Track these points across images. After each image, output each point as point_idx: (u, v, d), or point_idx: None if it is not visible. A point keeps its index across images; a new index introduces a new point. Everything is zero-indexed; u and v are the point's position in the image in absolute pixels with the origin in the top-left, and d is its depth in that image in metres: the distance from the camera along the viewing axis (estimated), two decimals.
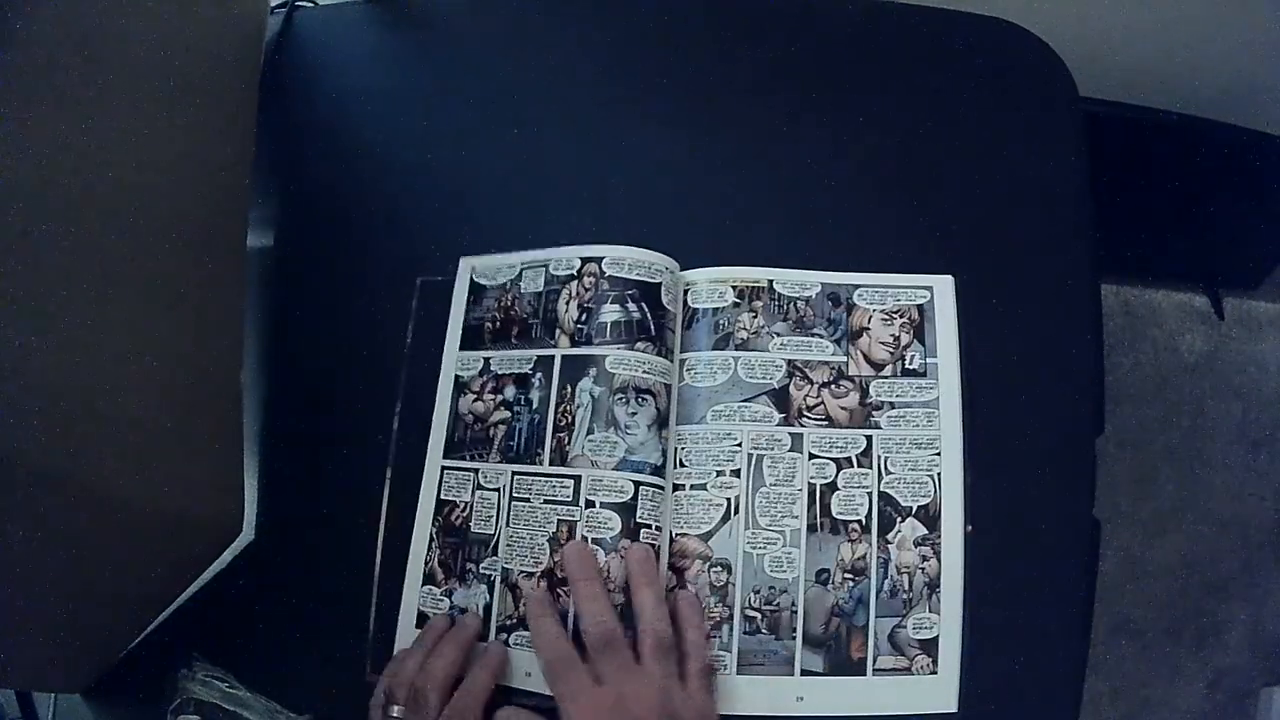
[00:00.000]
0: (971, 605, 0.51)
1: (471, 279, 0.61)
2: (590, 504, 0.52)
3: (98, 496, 0.43)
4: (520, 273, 0.59)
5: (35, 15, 0.40)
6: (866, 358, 0.55)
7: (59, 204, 0.41)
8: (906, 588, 0.51)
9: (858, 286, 0.57)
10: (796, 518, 0.53)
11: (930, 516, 0.52)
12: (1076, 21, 0.73)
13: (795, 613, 0.51)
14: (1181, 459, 1.22)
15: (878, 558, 0.52)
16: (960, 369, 0.55)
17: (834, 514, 0.53)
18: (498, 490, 0.55)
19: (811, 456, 0.54)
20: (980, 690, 0.50)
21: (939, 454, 0.53)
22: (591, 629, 0.47)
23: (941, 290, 0.56)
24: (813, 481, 0.53)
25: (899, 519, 0.52)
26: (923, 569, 0.51)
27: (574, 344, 0.56)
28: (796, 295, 0.57)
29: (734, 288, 0.58)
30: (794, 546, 0.52)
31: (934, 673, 0.50)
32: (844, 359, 0.56)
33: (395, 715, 0.48)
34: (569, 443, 0.54)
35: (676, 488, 0.54)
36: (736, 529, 0.53)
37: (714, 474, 0.54)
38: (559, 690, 0.46)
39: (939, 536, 0.52)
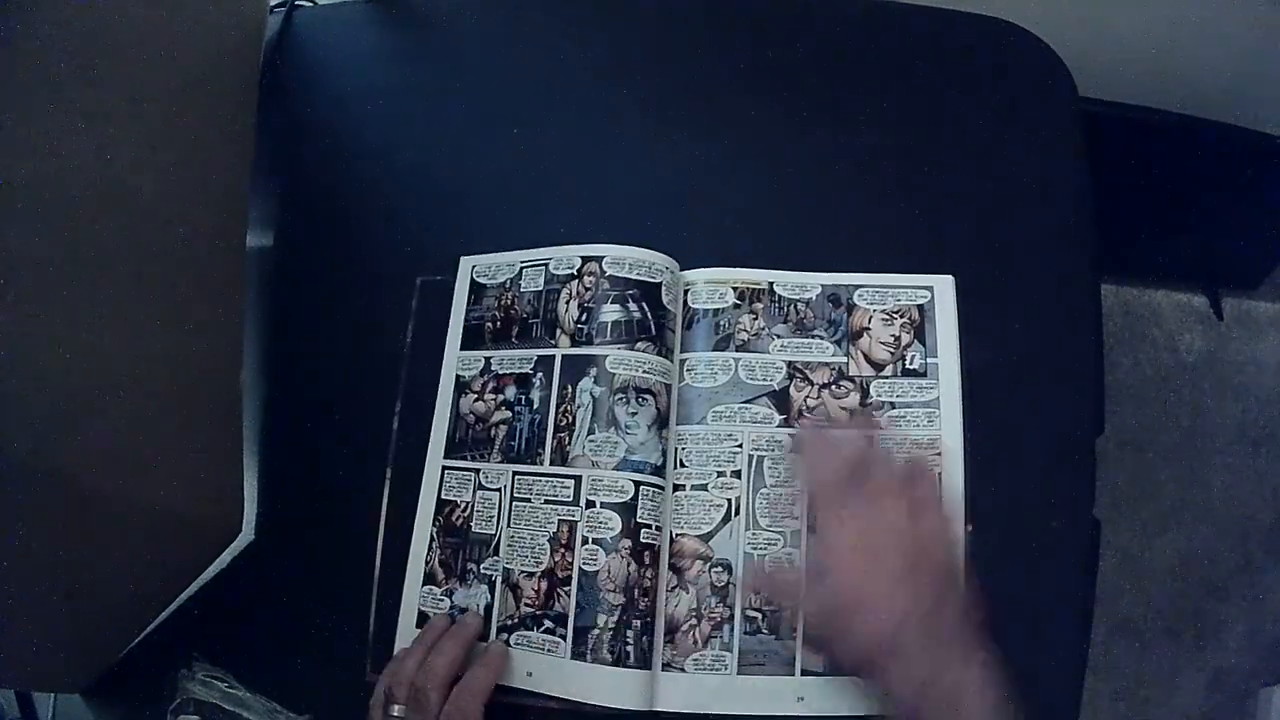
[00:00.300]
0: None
1: (472, 278, 0.61)
2: (591, 504, 0.52)
3: (98, 496, 0.43)
4: (520, 271, 0.59)
5: (35, 16, 0.40)
6: (867, 358, 0.55)
7: (59, 204, 0.41)
8: None
9: (858, 287, 0.57)
10: (797, 519, 0.53)
11: None
12: (1076, 21, 0.72)
13: (796, 613, 0.51)
14: (1181, 459, 1.22)
15: None
16: (960, 369, 0.55)
17: None
18: (499, 490, 0.55)
19: None
20: None
21: (940, 454, 0.53)
22: (843, 469, 0.47)
23: (942, 290, 0.56)
24: None
25: None
26: None
27: (574, 344, 0.56)
28: (797, 297, 0.57)
29: (734, 289, 0.58)
30: (794, 547, 0.52)
31: None
32: (844, 360, 0.56)
33: (396, 714, 0.48)
34: (569, 443, 0.54)
35: (677, 488, 0.54)
36: (737, 530, 0.53)
37: (714, 475, 0.54)
38: (820, 515, 0.47)
39: None
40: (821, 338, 0.56)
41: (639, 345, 0.54)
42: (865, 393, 0.55)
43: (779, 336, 0.56)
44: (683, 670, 0.51)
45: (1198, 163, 1.02)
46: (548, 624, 0.52)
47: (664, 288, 0.56)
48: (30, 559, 0.43)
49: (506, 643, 0.52)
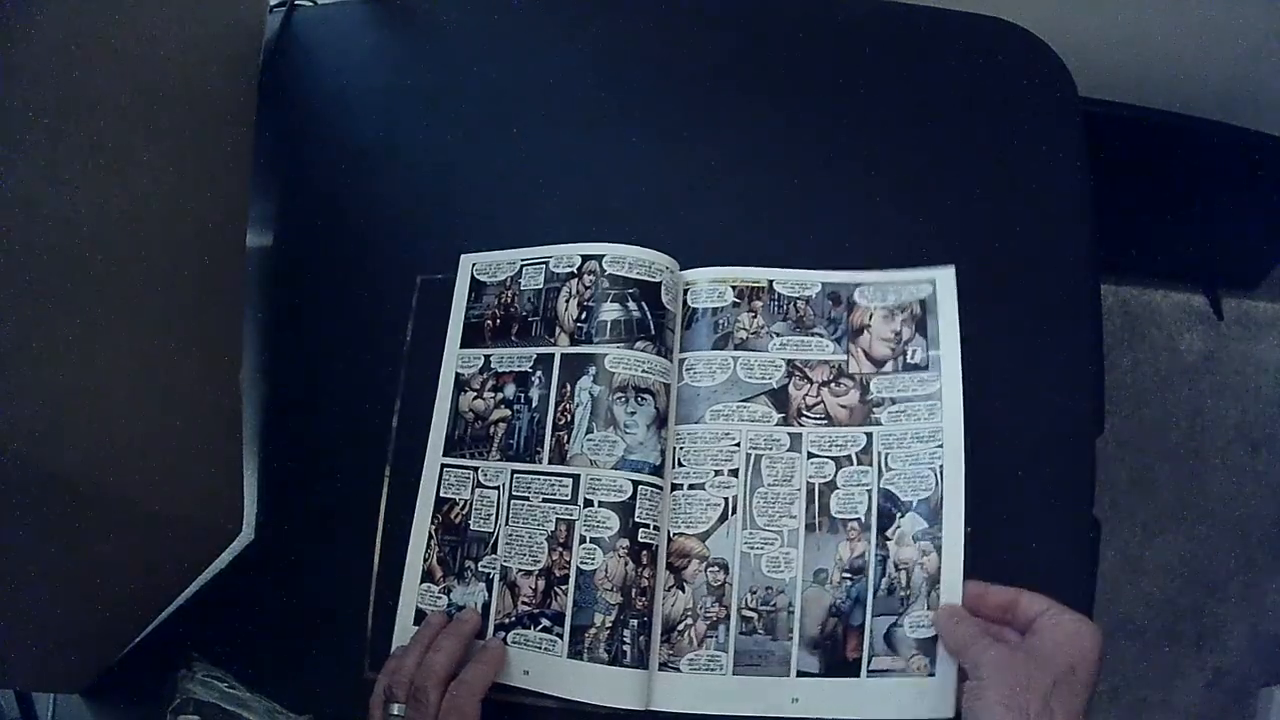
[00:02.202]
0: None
1: (472, 276, 0.61)
2: (589, 503, 0.52)
3: (98, 496, 0.43)
4: (520, 269, 0.59)
5: (35, 16, 0.40)
6: (867, 355, 0.55)
7: (59, 206, 0.41)
8: (904, 585, 0.51)
9: (858, 285, 0.57)
10: (794, 517, 0.53)
11: (932, 510, 0.51)
12: (1076, 21, 0.72)
13: (792, 613, 0.51)
14: (1181, 459, 1.22)
15: (876, 555, 0.51)
16: (962, 360, 0.54)
17: (832, 512, 0.53)
18: (497, 488, 0.55)
19: (810, 456, 0.54)
20: None
21: (941, 446, 0.52)
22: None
23: (944, 282, 0.55)
24: (811, 481, 0.53)
25: (898, 514, 0.52)
26: (921, 564, 0.51)
27: (574, 342, 0.56)
28: (796, 295, 0.57)
29: (734, 288, 0.58)
30: (791, 546, 0.52)
31: (931, 674, 0.49)
32: (844, 357, 0.55)
33: (395, 713, 0.48)
34: (568, 441, 0.54)
35: (675, 487, 0.54)
36: (734, 529, 0.53)
37: (712, 474, 0.54)
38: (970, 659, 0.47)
39: (940, 530, 0.51)
40: (821, 335, 0.56)
41: (638, 345, 0.55)
42: (865, 389, 0.55)
43: (778, 335, 0.56)
44: (679, 670, 0.51)
45: (1198, 163, 1.02)
46: (545, 622, 0.52)
47: (663, 287, 0.56)
48: (30, 559, 0.43)
49: (504, 641, 0.52)
